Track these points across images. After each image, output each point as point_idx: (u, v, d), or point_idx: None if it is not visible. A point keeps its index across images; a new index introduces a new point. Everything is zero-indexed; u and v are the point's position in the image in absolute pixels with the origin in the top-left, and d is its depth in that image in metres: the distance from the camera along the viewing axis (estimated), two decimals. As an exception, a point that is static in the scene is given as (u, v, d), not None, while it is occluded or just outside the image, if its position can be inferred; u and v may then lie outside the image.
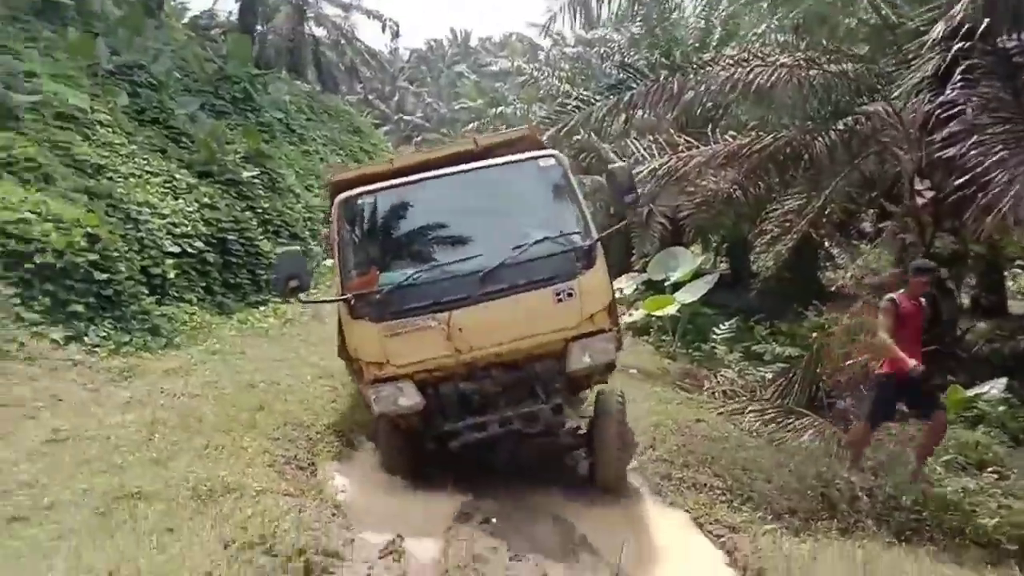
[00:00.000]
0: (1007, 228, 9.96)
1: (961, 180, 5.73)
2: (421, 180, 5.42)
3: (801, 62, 8.96)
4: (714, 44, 12.85)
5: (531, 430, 5.07)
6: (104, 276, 7.81)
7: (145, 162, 10.52)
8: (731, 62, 9.55)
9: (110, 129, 10.58)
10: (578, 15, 12.02)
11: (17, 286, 7.08)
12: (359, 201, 5.43)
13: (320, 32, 29.01)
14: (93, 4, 13.29)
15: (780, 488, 5.16)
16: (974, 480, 5.31)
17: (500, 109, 23.13)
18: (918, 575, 3.63)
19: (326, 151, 16.79)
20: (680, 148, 10.84)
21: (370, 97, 34.27)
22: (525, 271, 5.03)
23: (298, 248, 5.41)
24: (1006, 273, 18.85)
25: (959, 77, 5.51)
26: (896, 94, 6.57)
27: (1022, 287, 19.04)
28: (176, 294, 9.27)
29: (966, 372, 9.57)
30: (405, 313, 4.94)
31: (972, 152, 5.27)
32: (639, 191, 5.49)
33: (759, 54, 9.13)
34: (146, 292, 8.55)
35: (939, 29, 5.72)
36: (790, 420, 6.50)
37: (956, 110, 5.46)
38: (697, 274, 12.27)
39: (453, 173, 5.45)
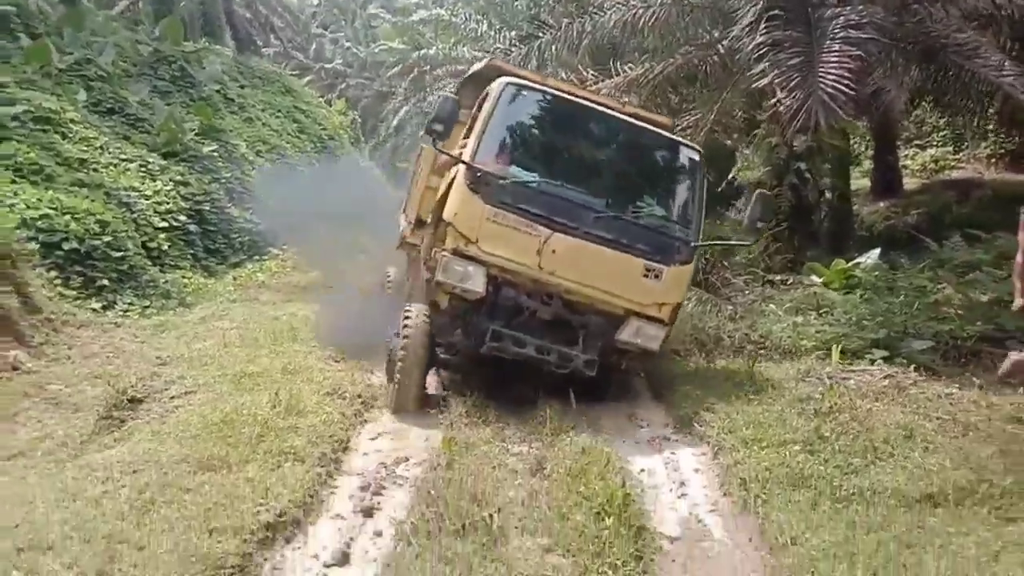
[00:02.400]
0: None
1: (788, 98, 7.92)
2: (590, 105, 5.85)
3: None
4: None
5: (561, 370, 5.42)
6: (119, 254, 9.67)
7: (118, 150, 12.12)
8: (621, 5, 11.53)
9: (82, 125, 12.07)
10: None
11: (54, 270, 8.92)
12: (523, 92, 5.69)
13: (229, -10, 29.43)
14: (30, 6, 14.37)
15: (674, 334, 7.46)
16: (803, 317, 7.70)
17: (423, 51, 24.52)
18: (736, 371, 6.02)
19: (265, 116, 18.27)
20: (588, 81, 12.88)
21: (288, 48, 34.88)
22: (632, 233, 5.42)
23: (456, 98, 5.56)
24: (903, 153, 21.78)
25: (763, 26, 7.69)
26: (734, 33, 8.72)
27: (924, 163, 21.98)
28: (171, 263, 11.11)
29: (864, 247, 11.99)
30: (517, 210, 5.24)
31: (776, 82, 7.49)
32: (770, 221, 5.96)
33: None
34: (150, 264, 10.41)
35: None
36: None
37: (764, 50, 7.64)
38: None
39: (620, 115, 5.94)
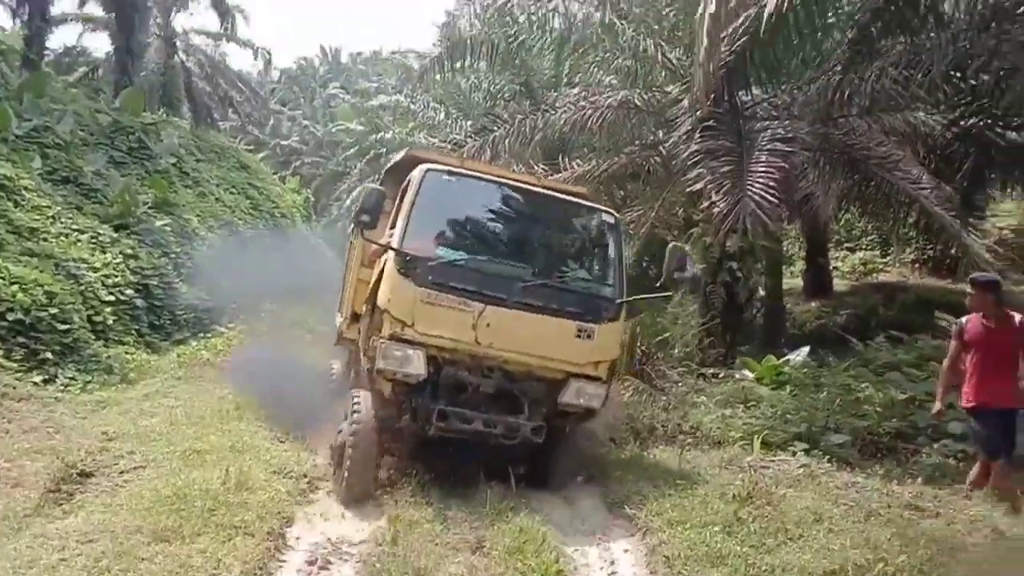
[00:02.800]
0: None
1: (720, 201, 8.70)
2: (506, 183, 6.23)
3: (621, 103, 11.98)
4: (564, 82, 15.80)
5: (509, 441, 5.54)
6: (64, 327, 9.72)
7: (71, 220, 12.25)
8: (572, 105, 12.47)
9: (35, 193, 12.21)
10: (444, 63, 14.57)
11: (-4, 340, 8.93)
12: (443, 176, 5.95)
13: (190, 63, 30.21)
14: (-12, 71, 14.67)
15: (611, 423, 7.90)
16: (731, 410, 8.24)
17: (381, 135, 25.41)
18: (667, 459, 6.46)
19: (219, 191, 18.59)
20: (538, 174, 13.71)
21: (245, 123, 35.56)
22: (560, 297, 5.69)
23: (382, 190, 5.79)
24: (834, 255, 23.19)
25: (698, 135, 8.56)
26: (672, 140, 9.60)
27: (854, 266, 23.44)
28: (116, 338, 11.14)
29: (795, 344, 12.72)
30: (448, 289, 5.44)
31: (709, 187, 8.28)
32: (691, 273, 6.29)
33: (590, 101, 12.07)
34: (94, 338, 10.43)
35: (685, 101, 8.79)
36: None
37: (699, 157, 8.48)
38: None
39: (535, 189, 6.29)
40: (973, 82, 8.77)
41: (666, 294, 7.73)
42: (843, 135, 10.90)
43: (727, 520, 4.49)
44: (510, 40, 12.18)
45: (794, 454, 6.40)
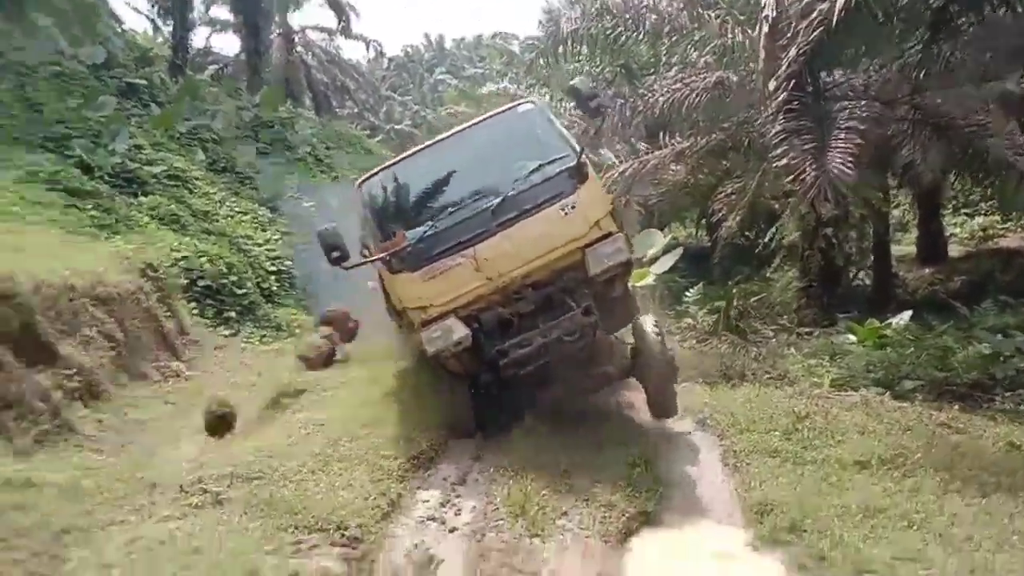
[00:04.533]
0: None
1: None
2: (418, 150, 6.71)
3: (716, 83, 13.05)
4: (662, 62, 16.90)
5: (570, 337, 5.82)
6: (241, 291, 12.01)
7: (234, 204, 14.66)
8: (669, 88, 13.63)
9: (203, 182, 14.69)
10: (547, 54, 15.96)
11: (193, 301, 11.23)
12: (373, 180, 6.50)
13: (308, 58, 32.93)
14: (155, 79, 17.35)
15: (706, 370, 9.15)
16: (816, 360, 9.37)
17: (488, 116, 27.05)
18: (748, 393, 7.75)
19: (349, 174, 20.91)
20: (640, 153, 14.95)
21: (361, 110, 38.20)
22: (529, 197, 5.91)
23: (335, 225, 6.02)
24: (953, 222, 23.16)
25: (782, 116, 9.63)
26: (758, 120, 10.67)
27: (973, 231, 23.29)
28: (279, 301, 13.41)
29: (905, 310, 13.42)
30: (435, 258, 5.81)
31: (795, 162, 9.34)
32: (600, 98, 6.15)
33: (686, 82, 13.20)
34: (264, 300, 12.71)
35: (771, 85, 9.87)
36: (713, 338, 10.65)
37: (784, 136, 9.56)
38: (668, 249, 16.36)
39: (444, 138, 6.68)
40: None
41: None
42: (936, 106, 11.58)
43: (786, 429, 5.83)
44: (608, 32, 13.38)
45: (856, 390, 7.54)
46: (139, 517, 4.14)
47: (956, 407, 6.86)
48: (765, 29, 7.93)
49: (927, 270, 19.56)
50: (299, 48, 31.88)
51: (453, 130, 6.80)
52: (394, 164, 6.72)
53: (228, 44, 69.56)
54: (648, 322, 6.61)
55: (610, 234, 5.94)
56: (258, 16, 24.79)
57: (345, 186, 20.22)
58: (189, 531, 3.82)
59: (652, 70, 17.70)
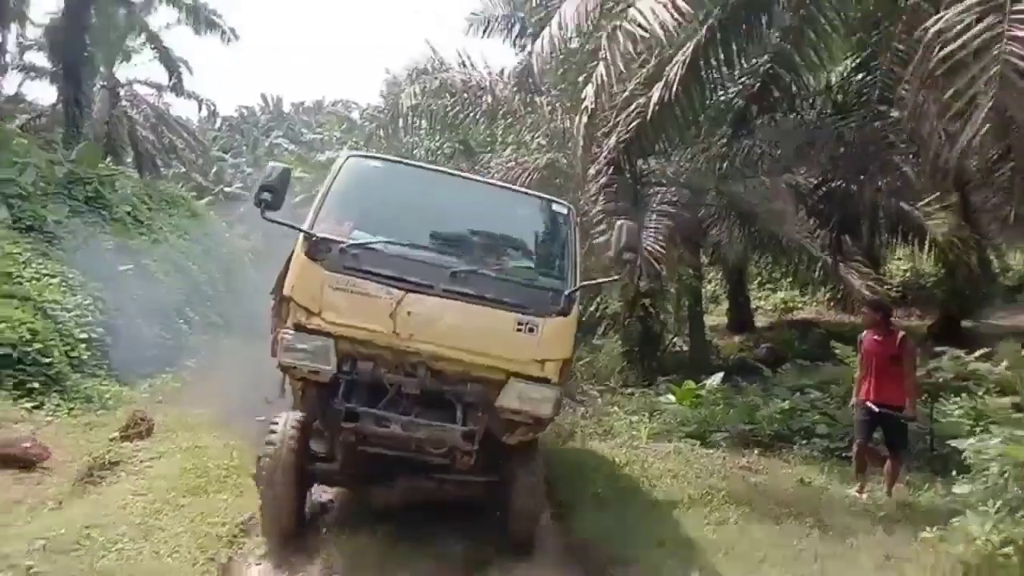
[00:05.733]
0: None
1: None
2: (439, 172, 6.23)
3: (547, 165, 14.06)
4: (499, 141, 17.94)
5: (436, 449, 5.03)
6: (47, 360, 11.12)
7: (41, 265, 13.63)
8: (503, 166, 14.49)
9: (5, 241, 13.58)
10: (387, 128, 16.53)
11: (-12, 373, 10.28)
12: (363, 161, 5.77)
13: (134, 113, 31.59)
14: (-47, 126, 16.02)
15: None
16: (638, 417, 10.16)
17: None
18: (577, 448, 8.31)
19: (173, 237, 20.04)
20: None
21: (189, 171, 36.86)
22: (498, 287, 5.11)
23: (288, 167, 5.18)
24: (759, 295, 25.84)
25: (601, 197, 10.68)
26: (582, 201, 11.73)
27: (776, 304, 26.08)
28: (89, 371, 12.50)
29: (715, 372, 14.67)
30: (361, 273, 4.98)
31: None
32: (637, 254, 5.54)
33: (520, 162, 14.12)
34: (72, 370, 11.82)
35: (592, 169, 10.93)
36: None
37: (601, 217, 10.57)
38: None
39: (471, 180, 6.22)
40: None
41: (614, 279, 7.02)
42: (739, 194, 13.21)
43: (608, 476, 6.39)
44: (447, 110, 14.14)
45: (670, 441, 8.33)
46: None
47: (756, 452, 7.76)
48: (584, 119, 8.82)
49: (736, 338, 21.80)
50: (124, 102, 30.58)
51: (478, 177, 6.38)
52: (396, 162, 6.11)
53: (44, 93, 65.00)
54: (538, 468, 5.53)
55: (547, 381, 5.15)
56: (80, 65, 23.57)
57: (166, 248, 19.45)
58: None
59: (489, 148, 18.73)
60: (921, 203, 12.92)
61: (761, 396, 11.61)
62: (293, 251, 5.30)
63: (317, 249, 5.08)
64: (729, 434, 9.29)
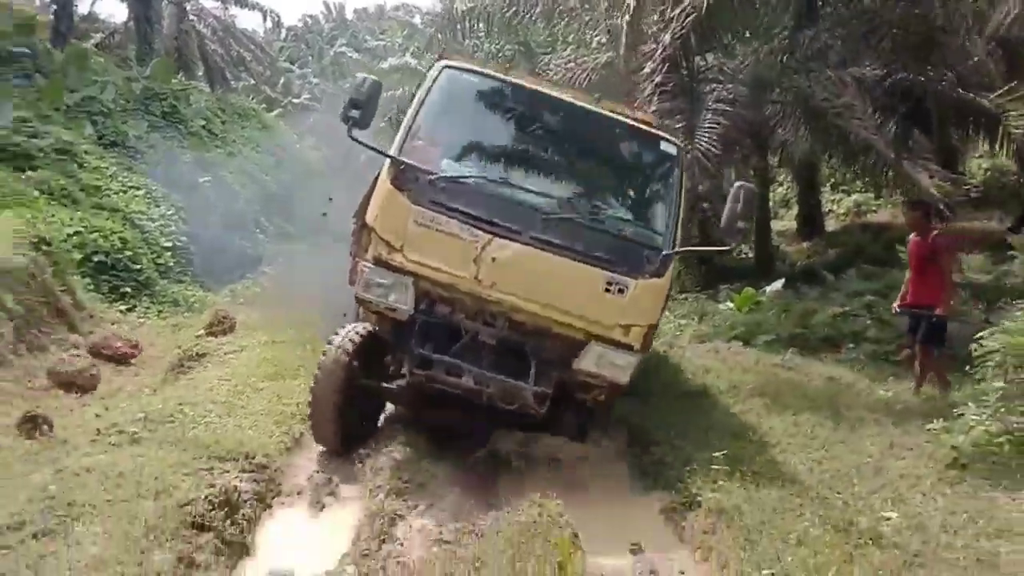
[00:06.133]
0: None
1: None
2: (542, 93, 5.33)
3: (605, 64, 14.04)
4: (559, 41, 17.83)
5: (505, 405, 4.88)
6: (136, 267, 12.21)
7: (127, 178, 14.68)
8: (563, 67, 14.54)
9: (93, 156, 14.62)
10: (445, 31, 16.68)
11: (86, 277, 11.40)
12: (466, 77, 5.27)
13: (202, 27, 32.25)
14: (39, 49, 16.99)
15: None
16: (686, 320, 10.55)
17: (391, 93, 27.50)
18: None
19: (246, 150, 20.97)
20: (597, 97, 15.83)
21: (258, 83, 37.66)
22: (591, 239, 4.83)
23: (378, 80, 4.81)
24: (831, 199, 25.29)
25: (656, 98, 10.72)
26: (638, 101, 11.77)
27: (848, 208, 25.50)
28: (175, 278, 13.62)
29: (776, 279, 14.74)
30: (449, 212, 4.74)
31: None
32: (748, 225, 5.24)
33: (579, 62, 14.15)
34: (159, 276, 12.93)
35: (647, 67, 10.93)
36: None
37: (657, 115, 10.63)
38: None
39: (577, 104, 5.32)
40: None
41: (724, 248, 5.73)
42: (805, 89, 12.96)
43: (645, 369, 6.89)
44: (504, 11, 14.17)
45: (710, 340, 8.76)
46: (60, 453, 4.71)
47: (790, 352, 8.12)
48: (627, 17, 8.87)
49: (805, 244, 21.50)
50: (192, 17, 31.22)
51: (585, 102, 5.49)
52: (496, 78, 5.41)
53: (115, 11, 66.39)
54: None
55: (630, 347, 4.93)
56: (149, -19, 24.33)
57: (240, 160, 20.38)
58: (111, 462, 4.43)
59: (550, 48, 18.62)
60: (995, 94, 12.37)
61: (820, 302, 11.75)
62: (379, 174, 5.11)
63: (404, 178, 4.85)
64: (776, 337, 9.59)
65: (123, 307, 11.43)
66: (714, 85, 11.40)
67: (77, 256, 11.13)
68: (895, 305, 7.48)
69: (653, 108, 10.74)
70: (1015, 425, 4.49)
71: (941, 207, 8.14)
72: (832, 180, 24.08)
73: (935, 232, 7.23)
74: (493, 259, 4.76)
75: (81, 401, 7.00)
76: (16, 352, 7.97)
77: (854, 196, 24.97)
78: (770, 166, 17.95)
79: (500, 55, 19.95)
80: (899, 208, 23.83)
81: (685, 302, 11.87)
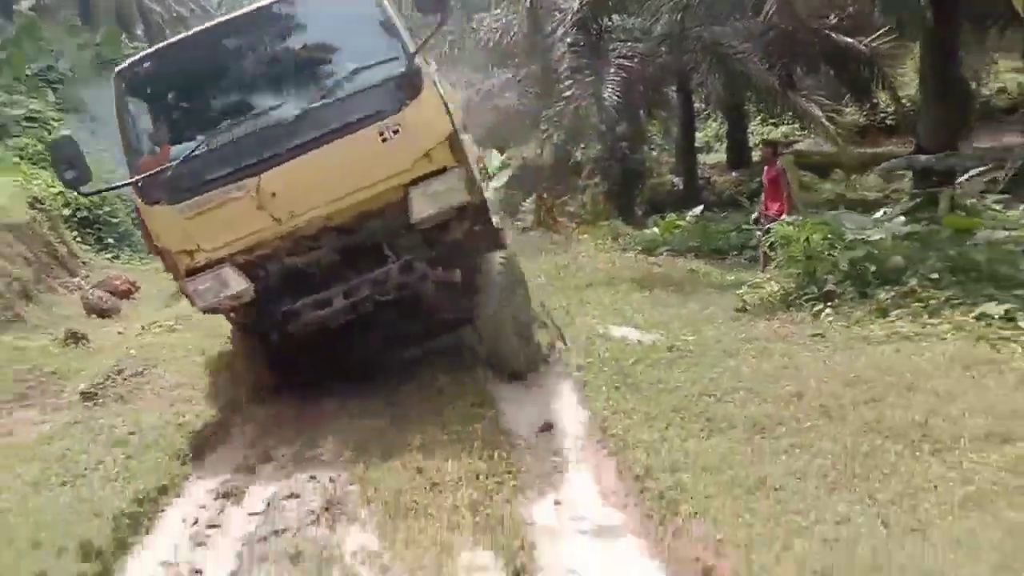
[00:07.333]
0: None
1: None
2: (201, 32, 5.24)
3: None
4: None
5: (382, 295, 5.09)
6: (116, 220, 14.22)
7: (93, 143, 16.35)
8: (492, 26, 16.54)
9: (58, 122, 16.28)
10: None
11: (73, 231, 13.29)
12: (140, 69, 5.20)
13: (139, -15, 32.99)
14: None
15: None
16: (603, 241, 12.92)
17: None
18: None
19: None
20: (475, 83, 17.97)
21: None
22: (338, 113, 4.77)
23: (69, 134, 4.67)
24: (762, 131, 27.61)
25: (568, 54, 12.82)
26: (557, 56, 13.85)
27: (777, 138, 27.94)
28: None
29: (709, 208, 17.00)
30: (205, 187, 4.72)
31: (576, 95, 12.60)
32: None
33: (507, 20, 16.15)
34: (135, 228, 14.80)
35: (560, 29, 13.02)
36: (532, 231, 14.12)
37: (571, 71, 12.75)
38: (503, 166, 19.63)
39: (234, 17, 5.28)
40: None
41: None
42: (713, 38, 15.15)
43: (550, 272, 9.22)
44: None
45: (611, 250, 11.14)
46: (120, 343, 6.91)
47: (664, 253, 10.50)
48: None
49: (734, 174, 23.92)
50: (133, -25, 31.99)
51: (249, 7, 5.35)
52: (170, 47, 5.43)
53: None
54: (494, 262, 5.68)
55: (444, 169, 4.97)
56: (86, -62, 25.34)
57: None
58: (163, 341, 6.63)
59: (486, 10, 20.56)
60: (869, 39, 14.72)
61: (727, 223, 14.13)
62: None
63: (150, 192, 4.94)
64: (672, 249, 11.94)
65: (108, 256, 13.40)
66: (617, 44, 13.57)
67: (66, 212, 13.00)
68: (753, 217, 9.87)
69: (565, 65, 12.92)
70: (781, 285, 6.91)
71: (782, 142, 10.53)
72: (761, 115, 26.48)
73: (779, 163, 9.76)
74: (273, 194, 4.79)
75: (102, 324, 9.12)
76: (39, 291, 10.01)
77: (781, 128, 27.43)
78: (694, 106, 20.18)
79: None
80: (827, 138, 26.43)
81: (603, 228, 14.17)
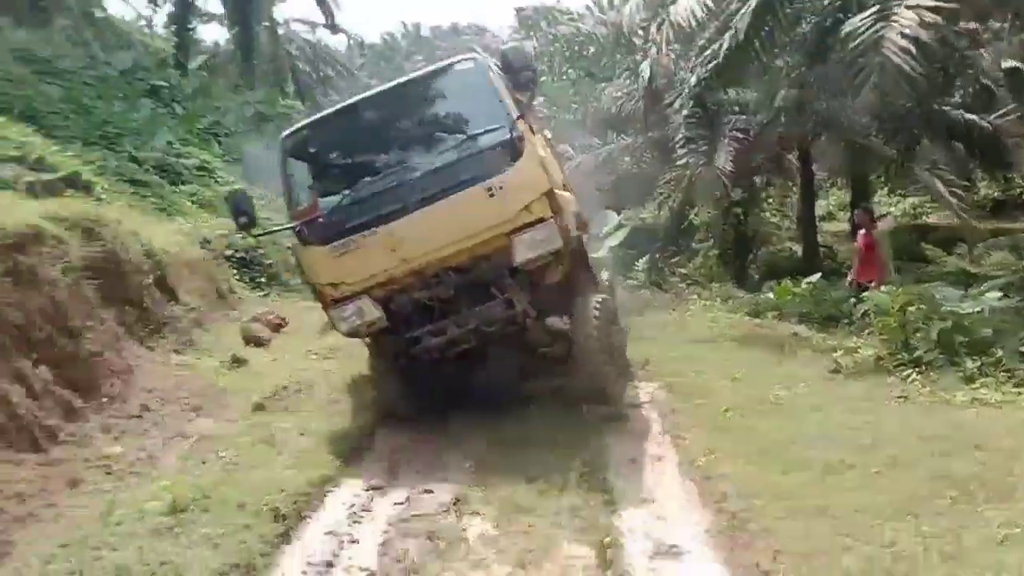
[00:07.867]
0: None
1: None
2: (347, 106, 6.54)
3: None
4: (615, 74, 20.95)
5: (488, 327, 6.07)
6: (268, 262, 15.91)
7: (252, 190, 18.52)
8: (614, 96, 17.69)
9: (223, 172, 18.51)
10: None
11: (232, 269, 15.12)
12: (299, 135, 6.49)
13: (291, 48, 36.61)
14: (172, 80, 21.17)
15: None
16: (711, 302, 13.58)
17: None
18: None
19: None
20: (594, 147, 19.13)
21: (338, 98, 42.01)
22: (453, 173, 5.85)
23: (242, 187, 5.97)
24: (889, 202, 27.50)
25: (684, 124, 13.70)
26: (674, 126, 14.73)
27: (905, 209, 27.71)
28: (295, 271, 17.33)
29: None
30: (348, 232, 5.81)
31: (691, 162, 13.43)
32: (535, 70, 5.92)
33: (627, 90, 17.27)
34: (283, 269, 16.64)
35: (677, 103, 13.97)
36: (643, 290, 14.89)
37: (686, 140, 13.62)
38: (619, 227, 20.52)
39: (374, 92, 6.52)
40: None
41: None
42: (829, 113, 15.70)
43: (658, 327, 9.98)
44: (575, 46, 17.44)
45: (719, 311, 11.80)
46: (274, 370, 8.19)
47: (771, 315, 11.07)
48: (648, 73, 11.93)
49: (855, 244, 23.86)
50: (284, 40, 35.59)
51: (386, 85, 6.63)
52: (324, 119, 6.75)
53: (209, 32, 73.23)
54: (590, 303, 6.48)
55: (542, 220, 5.88)
56: (249, 9, 28.59)
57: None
58: (318, 367, 7.85)
59: (609, 80, 21.85)
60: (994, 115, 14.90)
61: (845, 292, 14.48)
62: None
63: (305, 236, 6.10)
64: (780, 313, 12.42)
65: (260, 293, 15.12)
66: (730, 117, 14.40)
67: (227, 253, 14.85)
68: (846, 282, 10.45)
69: (681, 135, 13.82)
70: (875, 350, 7.48)
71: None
72: (888, 186, 26.39)
73: (876, 230, 10.16)
74: (402, 239, 5.86)
75: (257, 352, 10.56)
76: (209, 320, 11.63)
77: (909, 199, 27.16)
78: (814, 174, 20.54)
79: (565, 77, 23.34)
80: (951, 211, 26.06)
81: (717, 289, 14.81)
